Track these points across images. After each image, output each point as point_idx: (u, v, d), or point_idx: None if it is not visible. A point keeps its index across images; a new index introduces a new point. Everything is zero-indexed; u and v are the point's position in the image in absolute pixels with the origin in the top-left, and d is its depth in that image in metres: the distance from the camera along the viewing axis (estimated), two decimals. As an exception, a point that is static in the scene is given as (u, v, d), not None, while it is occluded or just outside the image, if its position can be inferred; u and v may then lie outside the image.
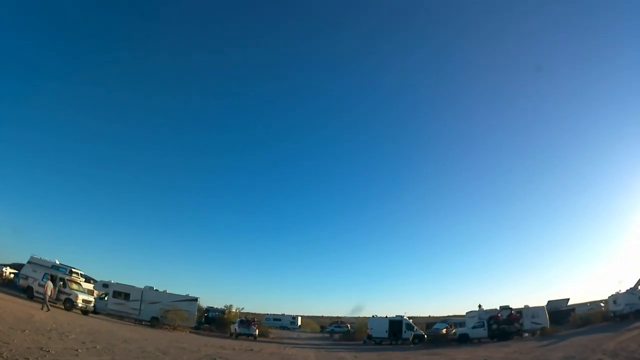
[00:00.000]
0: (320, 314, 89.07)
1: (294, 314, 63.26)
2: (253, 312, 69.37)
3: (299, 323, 62.91)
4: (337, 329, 53.98)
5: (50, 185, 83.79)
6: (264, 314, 64.03)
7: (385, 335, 32.76)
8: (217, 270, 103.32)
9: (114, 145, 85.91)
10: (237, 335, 30.12)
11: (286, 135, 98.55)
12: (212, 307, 44.94)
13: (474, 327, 30.56)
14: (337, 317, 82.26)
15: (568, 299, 42.68)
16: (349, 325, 59.33)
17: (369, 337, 33.20)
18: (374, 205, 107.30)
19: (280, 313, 63.20)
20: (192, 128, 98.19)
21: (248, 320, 31.05)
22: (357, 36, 76.27)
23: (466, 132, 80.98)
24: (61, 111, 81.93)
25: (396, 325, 33.02)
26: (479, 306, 34.69)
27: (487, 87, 79.08)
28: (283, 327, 59.96)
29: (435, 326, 37.74)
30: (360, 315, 64.15)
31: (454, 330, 35.17)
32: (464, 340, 29.26)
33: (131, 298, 30.76)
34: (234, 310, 37.80)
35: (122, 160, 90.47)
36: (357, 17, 70.01)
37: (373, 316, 34.21)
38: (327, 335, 44.83)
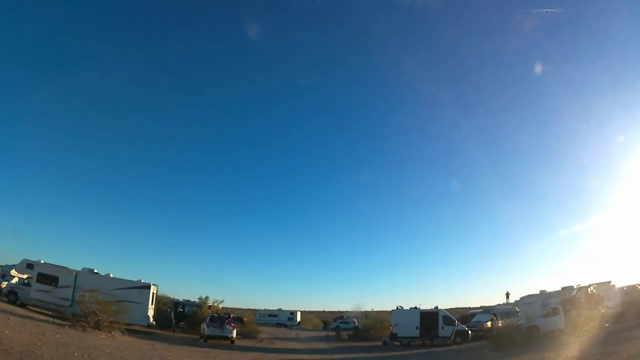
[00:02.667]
0: (321, 309, 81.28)
1: (292, 308, 54.12)
2: (246, 308, 60.95)
3: (298, 319, 53.69)
4: (343, 326, 45.05)
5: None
6: (257, 310, 55.22)
7: (416, 332, 23.62)
8: (206, 263, 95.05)
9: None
10: (207, 338, 21.05)
11: (283, 124, 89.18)
12: (189, 301, 35.60)
13: (545, 317, 21.51)
14: (340, 312, 73.97)
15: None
16: (355, 321, 51.10)
17: (394, 336, 24.04)
18: (374, 194, 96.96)
19: (276, 308, 54.04)
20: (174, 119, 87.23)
21: (221, 317, 21.83)
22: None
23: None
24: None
25: (430, 318, 23.93)
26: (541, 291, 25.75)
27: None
28: (280, 324, 51.15)
29: (476, 318, 28.65)
30: (367, 309, 55.83)
31: (500, 323, 26.64)
32: (531, 334, 20.16)
33: (60, 284, 21.90)
34: (211, 303, 28.62)
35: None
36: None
37: (398, 307, 25.01)
38: (332, 333, 35.51)
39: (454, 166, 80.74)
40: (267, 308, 54.72)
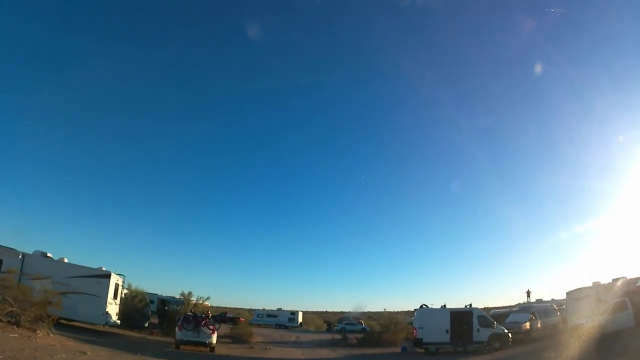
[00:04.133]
0: (324, 309, 76.70)
1: (293, 308, 49.24)
2: (248, 308, 55.94)
3: (300, 320, 48.80)
4: (349, 327, 40.18)
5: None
6: (256, 310, 50.48)
7: (446, 337, 18.74)
8: (206, 263, 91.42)
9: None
10: (179, 344, 16.37)
11: (285, 124, 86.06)
12: (174, 298, 30.94)
13: (610, 314, 16.53)
14: (343, 313, 69.24)
15: None
16: (362, 322, 46.27)
17: (417, 341, 19.15)
18: (376, 194, 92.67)
19: (275, 308, 49.22)
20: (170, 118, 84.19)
21: (197, 317, 16.95)
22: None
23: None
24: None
25: (463, 320, 19.11)
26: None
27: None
28: (280, 326, 46.29)
29: (511, 318, 23.78)
30: (376, 309, 50.85)
31: (539, 323, 22.84)
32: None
33: (3, 267, 17.20)
34: (194, 300, 23.89)
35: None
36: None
37: (422, 306, 20.07)
38: (338, 336, 30.53)
39: (456, 166, 78.69)
40: (266, 308, 49.77)
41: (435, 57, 66.21)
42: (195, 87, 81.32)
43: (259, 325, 45.98)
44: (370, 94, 76.56)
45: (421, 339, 18.78)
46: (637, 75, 46.77)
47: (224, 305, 70.63)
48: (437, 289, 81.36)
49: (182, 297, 24.31)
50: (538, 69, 41.97)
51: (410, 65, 58.74)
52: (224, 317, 46.68)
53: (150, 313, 25.86)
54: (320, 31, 69.07)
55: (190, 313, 17.61)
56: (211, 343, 16.55)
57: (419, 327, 18.93)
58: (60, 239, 64.23)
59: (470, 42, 61.83)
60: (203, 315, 17.23)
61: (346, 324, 42.89)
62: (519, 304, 34.11)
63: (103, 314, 17.48)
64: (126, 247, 78.35)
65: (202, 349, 16.49)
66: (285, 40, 71.02)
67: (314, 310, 71.68)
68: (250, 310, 56.43)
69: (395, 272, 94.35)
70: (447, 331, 18.73)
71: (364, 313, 56.48)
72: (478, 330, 18.88)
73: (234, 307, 70.11)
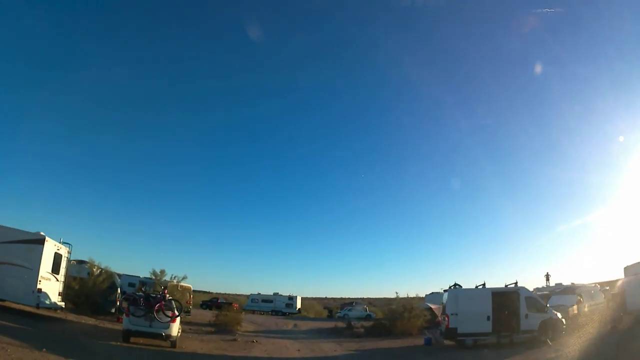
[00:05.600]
0: (323, 295, 73.34)
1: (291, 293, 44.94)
2: (247, 294, 51.55)
3: (299, 305, 44.71)
4: (352, 314, 36.08)
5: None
6: (251, 295, 46.33)
7: (487, 326, 14.33)
8: (201, 249, 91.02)
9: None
10: (126, 336, 11.77)
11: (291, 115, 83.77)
12: (150, 278, 26.48)
13: None
14: (343, 299, 65.62)
15: None
16: (366, 308, 42.33)
17: (450, 332, 14.65)
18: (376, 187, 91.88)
19: (271, 292, 45.00)
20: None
21: (149, 299, 12.11)
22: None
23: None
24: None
25: (507, 302, 14.75)
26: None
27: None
28: (276, 312, 42.24)
29: (554, 301, 19.50)
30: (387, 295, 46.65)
31: (586, 306, 20.04)
32: None
33: None
34: (168, 280, 19.50)
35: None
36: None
37: (455, 286, 15.49)
38: (342, 324, 26.12)
39: (455, 165, 78.20)
40: (260, 292, 45.55)
41: (434, 55, 66.73)
42: (190, 79, 79.49)
43: (253, 312, 41.87)
44: (369, 93, 76.79)
45: (455, 329, 14.33)
46: (637, 75, 45.99)
47: (224, 292, 68.05)
48: (442, 275, 79.43)
49: (152, 277, 19.79)
50: (538, 67, 43.47)
51: (409, 63, 59.16)
52: (215, 302, 43.00)
53: (117, 297, 21.48)
54: (318, 27, 67.66)
55: (140, 293, 13.03)
56: (170, 335, 11.72)
57: (452, 314, 14.50)
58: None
59: (470, 40, 61.16)
60: (158, 295, 12.54)
61: (349, 311, 39.00)
62: (537, 288, 30.22)
63: (33, 291, 13.04)
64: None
65: (162, 343, 12.03)
66: (283, 37, 69.96)
67: (313, 296, 68.10)
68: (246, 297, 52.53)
69: (398, 257, 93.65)
70: (488, 318, 14.38)
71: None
72: (526, 316, 14.54)
73: (232, 293, 67.16)
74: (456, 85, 67.88)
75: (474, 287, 15.59)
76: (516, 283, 15.34)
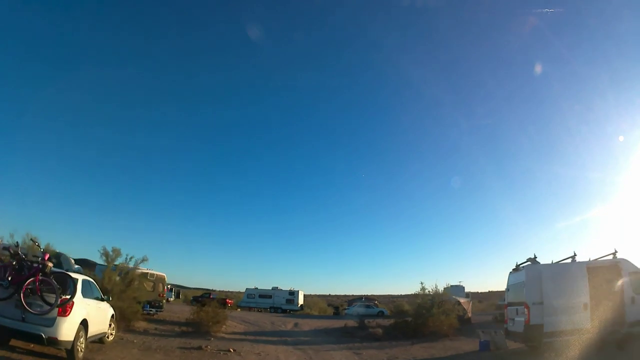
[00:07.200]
0: (326, 293, 69.33)
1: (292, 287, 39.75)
2: (241, 292, 46.32)
3: (301, 302, 39.61)
4: (361, 311, 30.77)
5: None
6: (247, 290, 41.20)
7: (585, 318, 9.02)
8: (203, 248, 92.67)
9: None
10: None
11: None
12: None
13: None
14: (347, 296, 61.14)
15: None
16: (377, 304, 37.43)
17: (533, 331, 9.28)
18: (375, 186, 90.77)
19: (270, 287, 39.89)
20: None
21: (17, 271, 6.52)
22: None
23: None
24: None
25: (606, 282, 9.49)
26: None
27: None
28: (276, 309, 37.13)
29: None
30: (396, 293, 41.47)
31: None
32: None
33: None
34: (122, 263, 14.40)
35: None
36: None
37: (533, 259, 10.11)
38: (353, 324, 20.71)
39: (454, 164, 78.52)
40: (258, 287, 40.46)
41: (434, 55, 65.38)
42: (189, 78, 77.89)
43: (249, 309, 37.01)
44: (368, 92, 75.79)
45: (541, 326, 9.08)
46: (637, 74, 45.08)
47: (225, 290, 63.79)
48: (442, 275, 77.27)
49: (102, 256, 14.54)
50: (538, 67, 42.59)
51: (409, 63, 58.23)
52: (207, 297, 37.95)
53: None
54: (318, 25, 67.21)
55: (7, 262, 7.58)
56: (56, 340, 6.46)
57: (533, 303, 9.24)
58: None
59: (469, 40, 60.74)
60: (33, 264, 6.93)
61: (358, 306, 33.86)
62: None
63: None
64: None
65: (52, 351, 6.90)
66: (283, 36, 69.19)
67: (315, 293, 63.59)
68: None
69: (398, 256, 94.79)
70: (585, 307, 9.14)
71: (366, 296, 49.34)
72: (633, 301, 9.34)
73: (233, 291, 62.75)
74: (456, 84, 67.89)
75: (555, 261, 10.32)
76: (615, 253, 10.06)
